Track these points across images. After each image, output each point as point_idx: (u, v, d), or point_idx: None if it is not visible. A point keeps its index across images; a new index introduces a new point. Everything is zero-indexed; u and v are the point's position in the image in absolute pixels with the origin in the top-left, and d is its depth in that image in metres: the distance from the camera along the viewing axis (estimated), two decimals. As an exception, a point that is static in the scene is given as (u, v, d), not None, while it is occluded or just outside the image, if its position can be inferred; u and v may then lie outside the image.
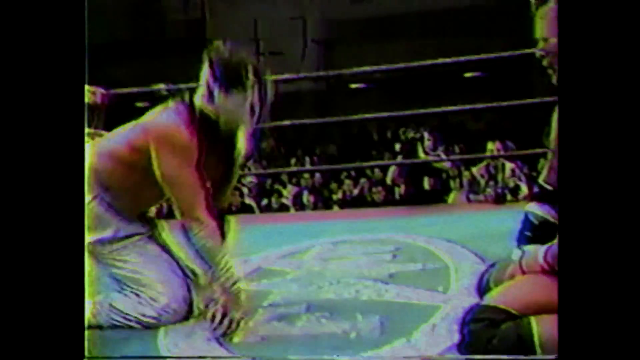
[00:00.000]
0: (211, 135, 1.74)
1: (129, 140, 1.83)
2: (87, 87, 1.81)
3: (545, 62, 1.48)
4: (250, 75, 1.72)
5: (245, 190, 3.78)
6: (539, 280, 1.46)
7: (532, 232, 1.57)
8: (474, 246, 2.46)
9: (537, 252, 1.47)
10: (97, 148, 1.90)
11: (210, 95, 1.73)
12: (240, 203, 3.89)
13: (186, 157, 1.71)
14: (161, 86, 4.02)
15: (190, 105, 1.77)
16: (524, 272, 1.51)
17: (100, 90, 3.99)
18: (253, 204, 4.02)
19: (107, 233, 1.79)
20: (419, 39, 4.15)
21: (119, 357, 1.71)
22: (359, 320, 1.74)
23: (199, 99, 1.74)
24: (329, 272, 2.24)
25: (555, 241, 1.45)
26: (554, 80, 1.47)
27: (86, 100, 1.81)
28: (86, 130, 1.70)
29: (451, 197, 4.19)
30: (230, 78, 1.73)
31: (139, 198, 1.86)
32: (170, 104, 1.79)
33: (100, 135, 4.05)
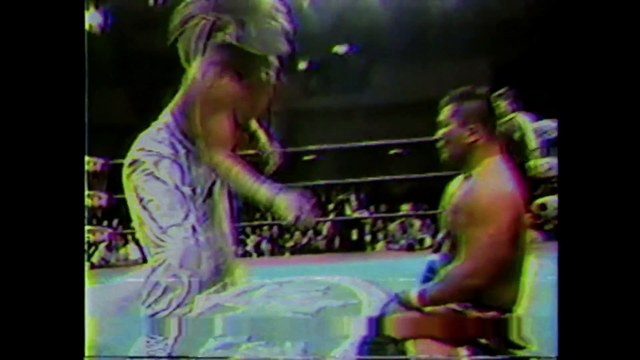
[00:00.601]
0: (247, 69, 1.60)
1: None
2: (88, 157, 1.79)
3: (440, 144, 1.66)
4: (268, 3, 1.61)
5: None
6: (414, 314, 1.57)
7: (431, 276, 1.69)
8: (387, 285, 2.54)
9: (413, 293, 1.58)
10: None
11: (242, 29, 1.61)
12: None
13: (220, 106, 1.60)
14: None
15: (224, 48, 1.62)
16: (407, 307, 1.62)
17: (100, 161, 4.03)
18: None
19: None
20: (359, 123, 4.44)
21: (119, 357, 1.66)
22: (287, 347, 1.79)
23: (231, 39, 1.59)
24: (271, 307, 2.28)
25: (428, 284, 1.56)
26: (444, 156, 1.63)
27: (88, 168, 1.80)
28: (87, 192, 1.70)
29: (377, 247, 4.32)
30: (248, 9, 1.62)
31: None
32: (205, 56, 1.64)
33: (100, 197, 4.01)
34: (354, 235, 4.71)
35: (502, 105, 3.70)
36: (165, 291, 1.61)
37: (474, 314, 1.52)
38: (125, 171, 1.67)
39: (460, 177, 1.61)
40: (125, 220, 5.62)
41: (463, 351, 1.51)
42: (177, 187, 1.65)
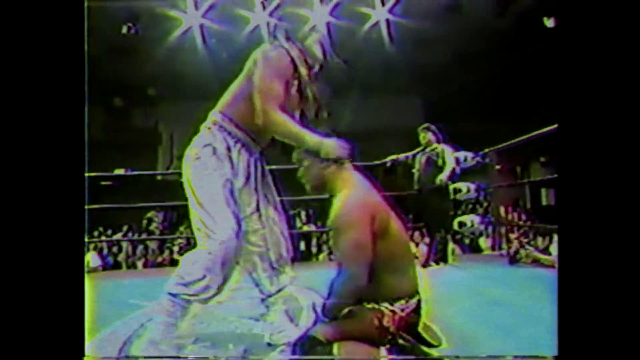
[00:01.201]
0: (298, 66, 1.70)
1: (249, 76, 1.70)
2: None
3: (300, 174, 1.75)
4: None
5: (175, 248, 3.70)
6: (332, 323, 1.58)
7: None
8: (325, 292, 2.53)
9: (319, 306, 1.59)
10: (233, 94, 1.73)
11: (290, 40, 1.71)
12: (170, 259, 3.80)
13: (278, 71, 1.65)
14: (121, 171, 3.94)
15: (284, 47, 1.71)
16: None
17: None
18: (180, 259, 3.95)
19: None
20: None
21: (119, 357, 1.56)
22: (229, 349, 1.75)
23: (286, 44, 1.71)
24: (220, 311, 2.22)
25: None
26: (306, 184, 1.73)
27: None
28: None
29: (320, 257, 4.32)
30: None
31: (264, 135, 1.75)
32: (270, 45, 1.71)
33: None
34: (302, 246, 4.74)
35: (427, 136, 3.86)
36: (203, 277, 1.60)
37: (387, 307, 1.54)
38: (187, 162, 1.67)
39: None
40: (88, 230, 5.38)
41: (383, 351, 1.52)
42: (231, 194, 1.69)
